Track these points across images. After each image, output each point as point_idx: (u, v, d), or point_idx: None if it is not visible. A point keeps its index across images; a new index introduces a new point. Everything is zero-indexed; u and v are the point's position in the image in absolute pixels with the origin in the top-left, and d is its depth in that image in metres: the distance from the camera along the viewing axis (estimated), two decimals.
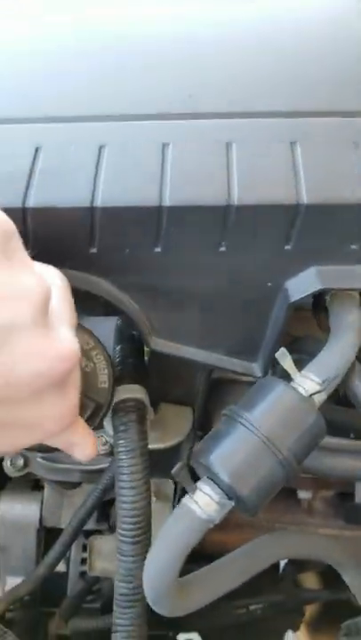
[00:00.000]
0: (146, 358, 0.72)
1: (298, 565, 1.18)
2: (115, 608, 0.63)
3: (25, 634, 1.03)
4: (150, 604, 0.53)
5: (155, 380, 0.71)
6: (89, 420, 0.54)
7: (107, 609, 1.02)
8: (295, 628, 1.32)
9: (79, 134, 0.55)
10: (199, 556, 1.09)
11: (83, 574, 0.98)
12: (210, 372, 0.72)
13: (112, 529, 0.94)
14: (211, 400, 0.77)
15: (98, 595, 1.03)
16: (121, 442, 0.62)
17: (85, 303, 0.62)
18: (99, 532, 0.96)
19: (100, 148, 0.53)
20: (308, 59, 0.67)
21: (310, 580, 1.32)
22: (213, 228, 0.51)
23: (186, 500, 0.50)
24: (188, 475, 0.50)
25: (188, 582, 0.55)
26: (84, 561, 0.99)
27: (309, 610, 1.39)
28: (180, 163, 0.52)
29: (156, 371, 0.71)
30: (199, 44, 0.68)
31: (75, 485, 0.95)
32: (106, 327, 0.75)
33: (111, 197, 0.50)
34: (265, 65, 0.65)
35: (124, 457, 0.61)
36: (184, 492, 0.84)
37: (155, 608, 0.53)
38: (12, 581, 0.97)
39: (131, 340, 0.72)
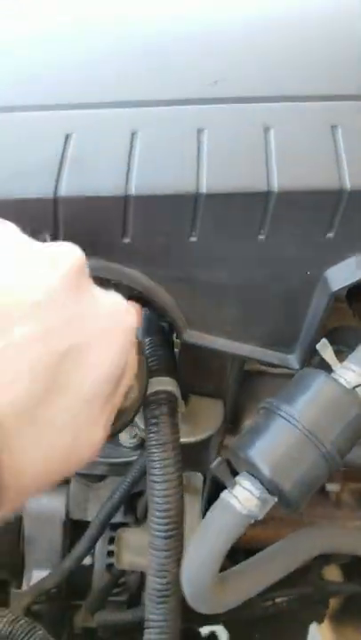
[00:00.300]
0: (175, 350, 0.70)
1: (324, 558, 1.17)
2: (147, 603, 0.62)
3: (51, 626, 1.02)
4: (189, 601, 0.52)
5: (185, 372, 0.70)
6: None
7: (133, 602, 1.02)
8: (320, 621, 1.31)
9: (111, 120, 0.53)
10: (231, 551, 1.09)
11: (109, 567, 0.97)
12: (242, 365, 0.71)
13: (139, 521, 0.94)
14: (242, 393, 0.75)
15: (124, 587, 1.02)
16: (152, 435, 0.61)
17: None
18: (125, 524, 0.96)
19: (133, 135, 0.52)
20: (339, 39, 0.65)
21: (333, 573, 1.31)
22: (252, 215, 0.49)
23: (225, 494, 0.49)
24: (227, 469, 0.48)
25: (226, 579, 0.54)
26: (110, 553, 0.98)
27: (333, 602, 1.39)
28: (217, 148, 0.50)
29: (187, 363, 0.69)
30: (226, 27, 0.66)
31: (101, 478, 0.94)
32: None
33: (145, 185, 0.49)
34: (295, 48, 0.63)
35: (156, 450, 0.60)
36: (215, 486, 0.83)
37: (193, 605, 0.52)
38: (38, 574, 0.97)
39: (160, 331, 0.70)
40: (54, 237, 0.51)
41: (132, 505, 0.95)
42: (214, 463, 0.49)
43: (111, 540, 0.95)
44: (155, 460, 0.60)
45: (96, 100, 0.55)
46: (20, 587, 1.04)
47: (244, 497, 0.47)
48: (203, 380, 0.73)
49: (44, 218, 0.50)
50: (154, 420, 0.61)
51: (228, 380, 0.73)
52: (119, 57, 0.60)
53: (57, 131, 0.52)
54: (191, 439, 0.70)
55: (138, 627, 0.98)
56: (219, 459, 0.49)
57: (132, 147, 0.51)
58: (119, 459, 0.83)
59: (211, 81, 0.57)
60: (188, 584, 0.50)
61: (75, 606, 1.04)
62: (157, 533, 0.61)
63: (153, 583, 0.61)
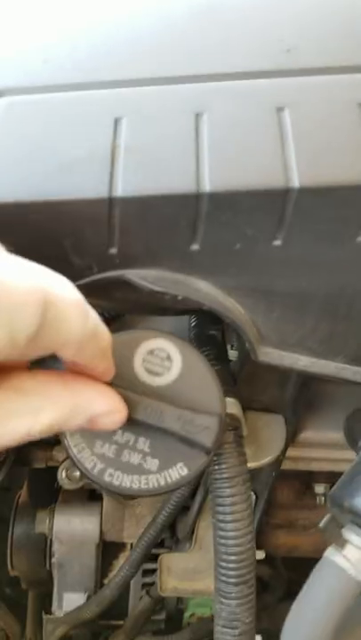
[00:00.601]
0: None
1: None
2: None
3: None
4: None
5: (242, 386, 0.61)
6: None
7: (170, 625, 0.95)
8: None
9: (169, 99, 0.44)
10: (271, 559, 1.02)
11: (147, 589, 0.89)
12: (303, 376, 0.62)
13: (179, 542, 0.86)
14: (299, 405, 0.67)
15: (162, 606, 0.95)
16: (217, 467, 0.53)
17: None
18: (161, 543, 0.88)
19: (198, 116, 0.42)
20: None
21: None
22: (353, 213, 0.40)
23: (332, 554, 0.41)
24: (336, 527, 0.40)
25: None
26: (145, 573, 0.91)
27: None
28: (307, 130, 0.41)
29: (245, 376, 0.61)
30: None
31: (135, 496, 0.86)
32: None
33: (222, 180, 0.40)
34: None
35: (223, 485, 0.52)
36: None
37: None
38: (70, 597, 0.90)
39: (212, 342, 0.62)
40: (108, 242, 0.42)
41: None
42: (323, 522, 0.40)
43: (147, 558, 0.88)
44: (223, 497, 0.52)
45: (152, 74, 0.45)
46: (43, 605, 0.98)
47: (356, 557, 0.39)
48: (259, 394, 0.65)
49: (97, 221, 0.41)
50: (218, 450, 0.53)
51: (288, 393, 0.64)
52: (176, 25, 0.50)
53: (105, 113, 0.43)
54: (255, 464, 0.62)
55: None
56: (327, 516, 0.40)
57: (198, 131, 0.42)
58: None
59: (281, 51, 0.47)
60: None
61: (108, 627, 0.97)
62: (227, 580, 0.53)
63: (224, 635, 0.54)
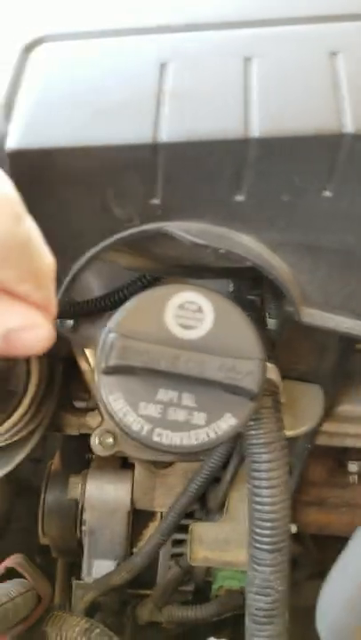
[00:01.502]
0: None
1: None
2: (249, 624, 0.54)
3: (112, 617, 0.96)
4: None
5: (280, 353, 0.60)
6: None
7: (198, 597, 0.95)
8: None
9: (217, 44, 0.42)
10: (300, 536, 1.00)
11: (177, 559, 0.89)
12: (348, 343, 0.60)
13: (210, 512, 0.85)
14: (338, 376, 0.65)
15: (190, 577, 0.95)
16: (255, 432, 0.51)
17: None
18: (191, 514, 0.88)
19: (247, 61, 0.41)
20: None
21: None
22: None
23: None
24: None
25: None
26: (174, 542, 0.91)
27: None
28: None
29: (283, 343, 0.59)
30: None
31: (167, 464, 0.86)
32: None
33: (271, 125, 0.38)
34: None
35: (261, 451, 0.51)
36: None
37: None
38: (100, 564, 0.90)
39: (251, 307, 0.60)
40: (150, 191, 0.41)
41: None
42: None
43: (177, 528, 0.87)
44: (260, 462, 0.51)
45: (199, 19, 0.43)
46: (72, 574, 0.98)
47: None
48: (297, 363, 0.63)
49: (140, 168, 0.39)
50: (256, 415, 0.52)
51: (327, 362, 0.63)
52: None
53: (151, 59, 0.41)
54: (290, 432, 0.60)
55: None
56: None
57: (247, 76, 0.40)
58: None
59: None
60: (327, 630, 0.41)
61: (137, 595, 0.97)
62: (261, 546, 0.52)
63: (257, 602, 0.53)
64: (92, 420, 0.81)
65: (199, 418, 0.41)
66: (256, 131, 0.38)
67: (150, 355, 0.40)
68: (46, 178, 0.40)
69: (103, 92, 0.41)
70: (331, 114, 0.38)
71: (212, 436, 0.41)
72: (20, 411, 0.69)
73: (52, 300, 0.34)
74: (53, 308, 0.35)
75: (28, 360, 0.71)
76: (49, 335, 0.34)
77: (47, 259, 0.33)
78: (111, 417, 0.41)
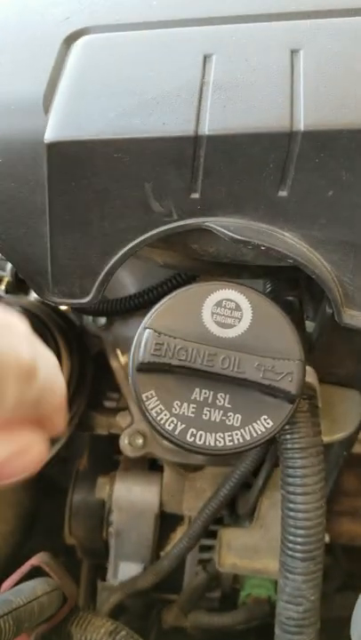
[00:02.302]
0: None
1: None
2: (279, 633, 0.52)
3: (137, 620, 0.95)
4: None
5: (317, 357, 0.58)
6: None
7: (225, 604, 0.93)
8: None
9: (263, 36, 0.41)
10: (331, 547, 0.98)
11: (204, 565, 0.88)
12: None
13: (239, 518, 0.84)
14: None
15: (217, 583, 0.93)
16: (290, 437, 0.50)
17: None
18: (220, 520, 0.86)
19: (294, 53, 0.39)
20: None
21: None
22: None
23: None
24: None
25: None
26: (202, 548, 0.89)
27: None
28: None
29: (322, 346, 0.57)
30: None
31: (197, 468, 0.84)
32: None
33: (318, 118, 0.37)
34: None
35: (295, 456, 0.49)
36: None
37: None
38: (126, 567, 0.89)
39: (288, 308, 0.58)
40: (190, 186, 0.40)
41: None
42: None
43: (206, 532, 0.86)
44: (294, 467, 0.49)
45: (243, 11, 0.42)
46: (97, 576, 0.98)
47: None
48: (338, 367, 0.61)
49: (180, 161, 0.38)
50: (292, 419, 0.50)
51: None
52: None
53: (195, 51, 0.40)
54: (328, 438, 0.58)
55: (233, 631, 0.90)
56: None
57: (293, 68, 0.39)
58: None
59: None
60: None
61: (162, 600, 0.96)
62: (294, 554, 0.50)
63: (287, 611, 0.51)
64: (122, 420, 0.80)
65: (235, 419, 0.40)
66: (302, 123, 0.36)
67: (186, 352, 0.39)
68: (84, 170, 0.40)
69: (144, 83, 0.40)
70: None
71: (248, 438, 0.40)
72: None
73: (54, 416, 0.34)
74: (54, 424, 0.34)
75: (59, 356, 0.70)
76: (39, 458, 0.32)
77: (58, 397, 0.33)
78: (144, 415, 0.40)
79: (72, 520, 0.94)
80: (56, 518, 1.00)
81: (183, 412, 0.40)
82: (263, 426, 0.40)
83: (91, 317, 0.81)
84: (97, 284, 0.45)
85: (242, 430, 0.40)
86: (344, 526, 0.95)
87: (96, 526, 0.93)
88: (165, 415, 0.40)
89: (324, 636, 0.65)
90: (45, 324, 0.72)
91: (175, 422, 0.40)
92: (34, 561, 0.65)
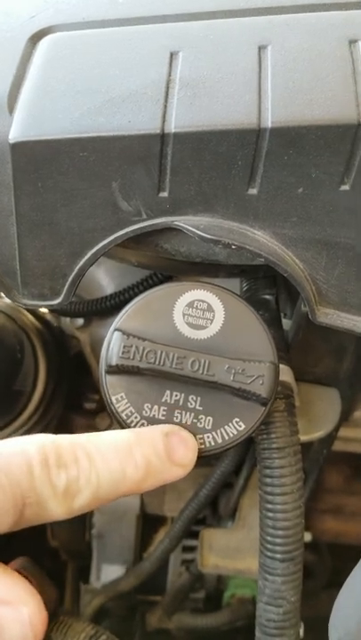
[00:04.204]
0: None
1: None
2: (259, 635, 0.52)
3: (121, 623, 0.95)
4: None
5: (295, 355, 0.58)
6: None
7: (209, 605, 0.93)
8: None
9: (230, 33, 0.40)
10: (315, 545, 0.98)
11: (187, 565, 0.87)
12: None
13: (221, 519, 0.83)
14: (356, 380, 0.63)
15: (201, 584, 0.93)
16: (267, 437, 0.49)
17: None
18: (202, 520, 0.86)
19: (261, 49, 0.39)
20: None
21: None
22: None
23: None
24: None
25: None
26: (185, 548, 0.89)
27: None
28: None
29: (299, 345, 0.57)
30: None
31: None
32: None
33: (286, 114, 0.36)
34: None
35: (273, 456, 0.49)
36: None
37: None
38: (108, 569, 0.88)
39: (264, 306, 0.58)
40: (158, 184, 0.39)
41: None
42: None
43: (187, 534, 0.85)
44: (272, 468, 0.49)
45: (209, 7, 0.41)
46: (82, 578, 0.97)
47: None
48: (314, 365, 0.61)
49: (147, 159, 0.38)
50: (268, 419, 0.50)
51: (345, 365, 0.60)
52: None
53: (161, 48, 0.40)
54: (306, 438, 0.58)
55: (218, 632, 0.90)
56: None
57: (261, 64, 0.38)
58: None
59: None
60: None
61: (146, 602, 0.95)
62: (273, 555, 0.50)
63: (268, 613, 0.50)
64: (101, 421, 0.79)
65: (206, 421, 0.39)
66: (270, 120, 0.36)
67: (155, 355, 0.38)
68: (50, 169, 0.39)
69: (110, 81, 0.39)
70: (349, 103, 0.36)
71: (219, 441, 0.39)
72: (28, 411, 0.67)
73: None
74: None
75: (35, 358, 0.69)
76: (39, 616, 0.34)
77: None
78: (114, 417, 0.40)
79: (54, 523, 0.93)
80: None
81: (154, 415, 0.39)
82: (235, 428, 0.39)
83: (68, 318, 0.80)
84: (67, 285, 0.44)
85: (213, 433, 0.39)
86: (328, 524, 0.95)
87: (78, 529, 0.92)
88: (136, 418, 0.39)
89: (311, 634, 0.65)
90: (21, 327, 0.71)
91: (146, 425, 0.39)
92: (12, 566, 0.64)
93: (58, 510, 0.35)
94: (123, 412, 0.39)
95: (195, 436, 0.39)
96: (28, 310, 0.76)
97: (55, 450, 0.35)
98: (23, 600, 0.33)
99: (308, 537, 0.77)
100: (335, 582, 1.08)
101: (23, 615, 0.33)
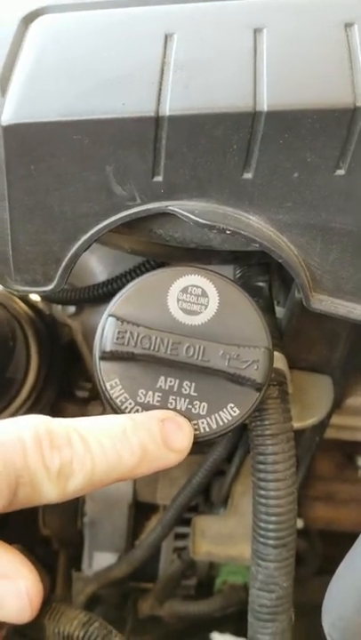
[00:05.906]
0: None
1: None
2: (252, 620, 0.52)
3: (113, 610, 0.95)
4: None
5: (288, 342, 0.58)
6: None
7: (201, 592, 0.93)
8: None
9: (225, 15, 0.40)
10: (307, 532, 0.99)
11: (179, 553, 0.88)
12: (356, 334, 0.58)
13: (213, 506, 0.84)
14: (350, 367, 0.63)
15: (193, 571, 0.93)
16: (260, 423, 0.49)
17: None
18: (195, 507, 0.86)
19: (257, 32, 0.38)
20: None
21: None
22: None
23: None
24: None
25: None
26: (177, 536, 0.89)
27: None
28: None
29: (292, 332, 0.57)
30: None
31: None
32: None
33: (281, 98, 0.36)
34: None
35: (266, 442, 0.49)
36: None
37: None
38: (100, 556, 0.89)
39: (258, 293, 0.58)
40: (152, 169, 0.39)
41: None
42: None
43: (180, 522, 0.86)
44: (265, 454, 0.49)
45: None
46: (73, 566, 0.97)
47: None
48: (308, 353, 0.61)
49: (142, 142, 0.37)
50: (261, 405, 0.50)
51: (338, 352, 0.60)
52: None
53: (156, 30, 0.39)
54: (299, 424, 0.58)
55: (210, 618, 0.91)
56: None
57: (256, 47, 0.38)
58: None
59: None
60: (334, 626, 0.39)
61: (138, 589, 0.95)
62: (266, 541, 0.50)
63: (260, 599, 0.51)
64: (93, 409, 0.79)
65: (200, 407, 0.39)
66: (265, 103, 0.35)
67: (150, 341, 0.38)
68: (43, 152, 0.38)
69: (104, 63, 0.39)
70: (345, 87, 0.36)
71: (214, 426, 0.39)
72: (20, 399, 0.67)
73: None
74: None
75: (27, 345, 0.69)
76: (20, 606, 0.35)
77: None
78: (108, 404, 0.39)
79: (46, 511, 0.93)
80: (31, 508, 0.99)
81: (148, 401, 0.39)
82: (230, 414, 0.39)
83: (60, 306, 0.79)
84: (60, 270, 0.43)
85: (208, 419, 0.39)
86: (319, 511, 0.95)
87: (70, 517, 0.92)
88: (130, 404, 0.39)
89: (303, 620, 0.66)
90: (13, 315, 0.71)
91: (140, 411, 0.39)
92: None
93: (51, 492, 0.35)
94: (117, 398, 0.39)
95: (190, 421, 0.39)
96: (20, 298, 0.75)
97: (48, 431, 0.35)
98: (21, 574, 0.33)
99: (299, 524, 0.78)
100: (326, 569, 1.08)
101: (21, 588, 0.33)
